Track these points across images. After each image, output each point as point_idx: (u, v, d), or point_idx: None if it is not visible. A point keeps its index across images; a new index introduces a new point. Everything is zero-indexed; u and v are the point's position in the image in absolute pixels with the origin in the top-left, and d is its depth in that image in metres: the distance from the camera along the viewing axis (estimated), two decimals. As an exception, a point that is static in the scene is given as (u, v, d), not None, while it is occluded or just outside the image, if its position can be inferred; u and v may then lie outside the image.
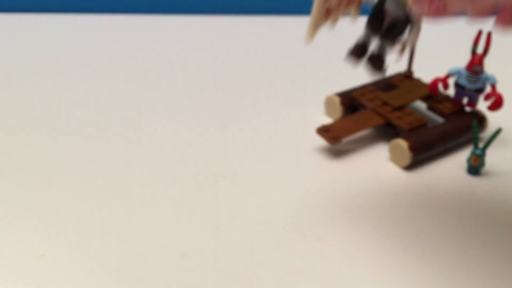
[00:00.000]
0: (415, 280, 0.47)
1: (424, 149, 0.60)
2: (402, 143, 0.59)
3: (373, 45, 0.51)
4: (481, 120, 0.64)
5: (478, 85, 0.61)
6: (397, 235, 0.51)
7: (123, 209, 0.54)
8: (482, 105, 0.64)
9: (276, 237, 0.50)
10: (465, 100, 0.64)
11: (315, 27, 0.49)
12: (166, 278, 0.46)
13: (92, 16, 1.07)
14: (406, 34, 0.47)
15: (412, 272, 0.47)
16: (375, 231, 0.52)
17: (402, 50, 0.49)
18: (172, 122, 0.70)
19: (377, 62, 0.48)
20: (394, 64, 0.67)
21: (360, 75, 0.70)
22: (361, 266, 0.48)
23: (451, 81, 0.64)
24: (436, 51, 0.92)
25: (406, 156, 0.59)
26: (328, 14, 0.48)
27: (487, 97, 0.62)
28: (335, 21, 0.50)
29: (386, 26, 0.47)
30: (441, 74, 0.64)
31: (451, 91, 0.65)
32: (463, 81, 0.62)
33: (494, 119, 0.67)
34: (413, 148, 0.59)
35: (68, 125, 0.69)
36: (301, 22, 1.03)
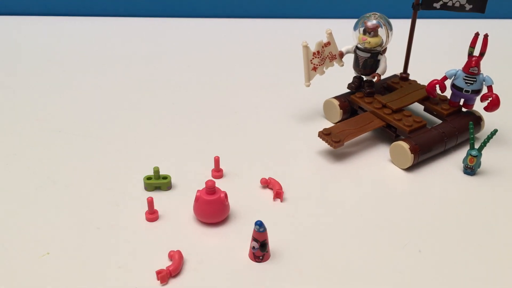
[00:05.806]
0: (412, 278, 0.47)
1: (425, 151, 0.60)
2: (404, 145, 0.59)
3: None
4: (478, 121, 0.65)
5: (475, 87, 0.62)
6: (396, 233, 0.52)
7: (126, 208, 0.54)
8: (479, 106, 0.64)
9: (276, 237, 0.50)
10: (461, 102, 0.65)
11: (309, 78, 0.66)
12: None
13: (91, 18, 1.07)
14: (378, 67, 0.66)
15: (409, 270, 0.48)
16: (376, 230, 0.52)
17: (378, 78, 0.66)
18: (173, 122, 0.70)
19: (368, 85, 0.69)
20: (391, 66, 0.69)
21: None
22: (361, 265, 0.48)
23: (448, 83, 0.64)
24: (433, 53, 0.93)
25: (408, 157, 0.59)
26: (315, 69, 0.66)
27: (483, 98, 0.62)
28: (321, 73, 0.67)
29: (361, 64, 0.66)
30: (437, 76, 0.65)
31: (447, 93, 0.66)
32: (460, 83, 0.62)
33: (490, 120, 0.68)
34: (415, 150, 0.59)
35: (72, 125, 0.69)
36: (301, 25, 1.05)
